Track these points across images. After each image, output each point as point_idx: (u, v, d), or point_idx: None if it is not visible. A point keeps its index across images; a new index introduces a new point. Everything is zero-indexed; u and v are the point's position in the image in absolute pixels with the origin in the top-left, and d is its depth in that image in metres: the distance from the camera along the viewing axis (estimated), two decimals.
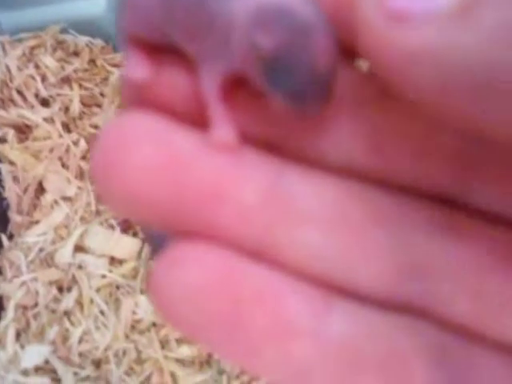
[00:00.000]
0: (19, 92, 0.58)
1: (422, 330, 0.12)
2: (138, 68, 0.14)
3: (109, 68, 0.62)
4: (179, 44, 0.14)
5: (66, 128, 0.59)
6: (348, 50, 0.13)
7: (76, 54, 0.61)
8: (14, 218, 0.57)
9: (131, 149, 0.12)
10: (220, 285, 0.12)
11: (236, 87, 0.14)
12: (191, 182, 0.13)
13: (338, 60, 0.12)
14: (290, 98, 0.12)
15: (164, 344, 0.52)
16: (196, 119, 0.14)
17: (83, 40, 0.61)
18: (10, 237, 0.58)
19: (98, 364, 0.52)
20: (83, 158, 0.59)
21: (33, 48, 0.59)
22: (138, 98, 0.14)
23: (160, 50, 0.14)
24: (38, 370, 0.52)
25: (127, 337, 0.53)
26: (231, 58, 0.13)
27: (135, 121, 0.13)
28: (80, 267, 0.55)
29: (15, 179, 0.58)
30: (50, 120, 0.58)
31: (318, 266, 0.13)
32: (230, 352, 0.12)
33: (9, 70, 0.57)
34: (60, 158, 0.58)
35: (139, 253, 0.55)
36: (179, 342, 0.51)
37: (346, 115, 0.13)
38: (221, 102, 0.13)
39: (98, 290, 0.55)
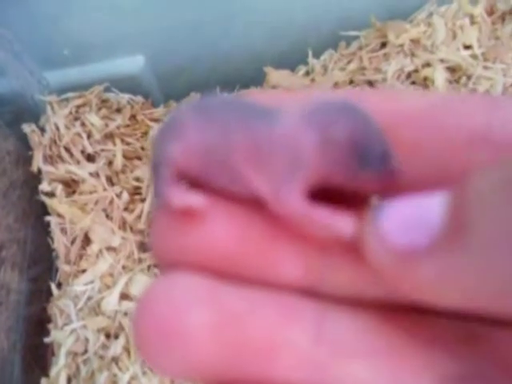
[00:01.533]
0: (67, 149, 0.61)
1: None
2: (188, 195, 0.14)
3: (148, 122, 0.65)
4: (235, 179, 0.14)
5: (110, 181, 0.63)
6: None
7: (118, 110, 0.65)
8: (63, 267, 0.61)
9: (186, 314, 0.13)
10: None
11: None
12: (247, 339, 0.13)
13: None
14: (377, 169, 0.14)
15: None
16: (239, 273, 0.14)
17: (125, 97, 0.65)
18: (59, 285, 0.62)
19: None
20: (125, 209, 0.63)
21: (79, 107, 0.63)
22: (174, 258, 0.14)
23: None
24: None
25: (173, 382, 0.56)
26: (307, 166, 0.14)
27: (181, 284, 0.13)
28: (126, 314, 0.59)
29: (63, 231, 0.61)
30: (95, 174, 0.62)
31: None
32: None
33: (57, 129, 0.61)
34: (104, 210, 0.62)
35: None
36: None
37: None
38: (312, 205, 0.14)
39: None
